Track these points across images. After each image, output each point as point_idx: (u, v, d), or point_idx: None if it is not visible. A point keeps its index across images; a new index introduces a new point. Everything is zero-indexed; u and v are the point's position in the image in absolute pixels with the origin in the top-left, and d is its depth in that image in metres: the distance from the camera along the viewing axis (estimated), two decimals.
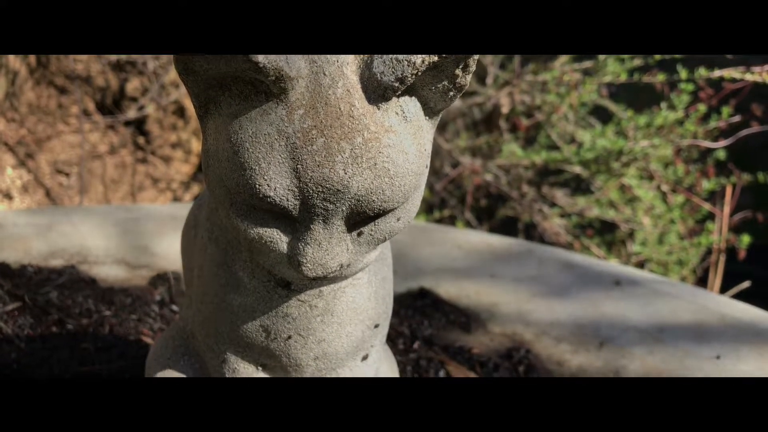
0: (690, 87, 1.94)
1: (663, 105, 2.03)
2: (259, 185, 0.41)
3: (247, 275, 0.49)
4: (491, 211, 2.53)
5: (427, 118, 0.45)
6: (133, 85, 2.50)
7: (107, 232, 1.14)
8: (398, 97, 0.43)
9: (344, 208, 0.42)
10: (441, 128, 2.43)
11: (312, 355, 0.51)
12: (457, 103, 2.43)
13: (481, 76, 2.43)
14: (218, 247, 0.50)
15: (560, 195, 2.25)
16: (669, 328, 0.97)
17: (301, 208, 0.42)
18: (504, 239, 1.24)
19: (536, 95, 2.24)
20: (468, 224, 2.49)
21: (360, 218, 0.44)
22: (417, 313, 1.02)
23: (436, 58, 0.41)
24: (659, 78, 1.90)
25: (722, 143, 2.04)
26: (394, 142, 0.42)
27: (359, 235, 0.45)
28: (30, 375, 0.75)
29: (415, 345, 0.95)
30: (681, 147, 2.15)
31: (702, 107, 1.97)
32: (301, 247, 0.43)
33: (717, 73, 1.81)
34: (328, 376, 0.53)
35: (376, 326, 0.53)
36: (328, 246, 0.43)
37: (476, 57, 0.43)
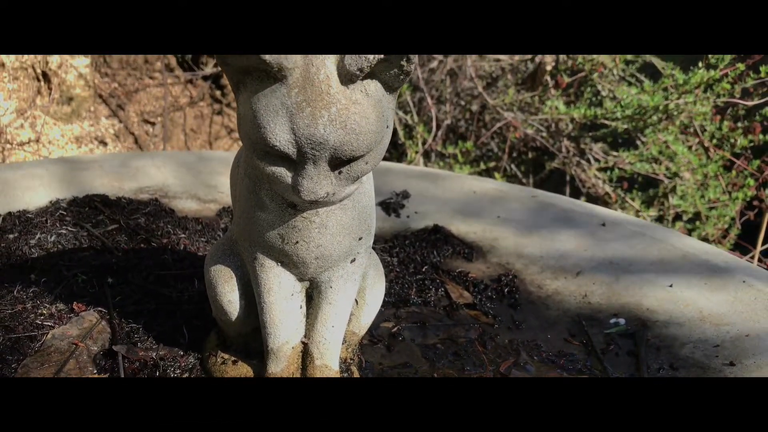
0: None
1: (700, 63, 2.12)
2: (269, 138, 0.63)
3: (269, 199, 0.72)
4: (539, 163, 2.68)
5: (387, 93, 0.66)
6: None
7: (183, 173, 1.40)
8: (362, 80, 0.64)
9: (326, 155, 0.64)
10: (488, 86, 2.59)
11: (313, 255, 0.74)
12: (506, 58, 2.58)
13: None
14: (250, 179, 0.73)
15: (597, 149, 2.39)
16: (637, 262, 1.15)
17: (298, 154, 0.64)
18: (514, 187, 1.44)
19: (579, 55, 2.36)
20: (513, 176, 2.66)
21: (338, 161, 0.65)
22: (429, 245, 1.24)
23: (383, 55, 0.62)
24: None
25: (760, 101, 2.13)
26: (359, 110, 0.63)
27: (339, 173, 0.67)
28: (125, 275, 1.01)
29: (423, 269, 1.17)
30: (719, 105, 2.24)
31: (741, 66, 2.05)
32: (299, 180, 0.66)
33: None
34: (326, 272, 0.76)
35: (360, 239, 0.75)
36: (317, 179, 0.65)
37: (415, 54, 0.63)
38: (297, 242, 0.73)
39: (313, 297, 0.79)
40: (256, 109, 0.64)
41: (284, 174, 0.66)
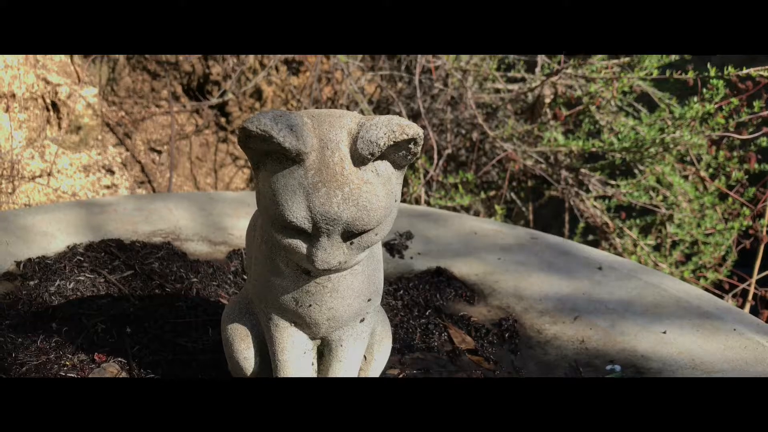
0: (721, 83, 2.07)
1: (695, 98, 2.17)
2: (287, 215, 0.68)
3: (284, 265, 0.77)
4: (539, 191, 2.73)
5: (396, 170, 0.71)
6: (216, 70, 2.81)
7: (195, 215, 1.45)
8: (373, 161, 0.69)
9: (339, 229, 0.69)
10: (489, 116, 2.65)
11: (325, 317, 0.79)
12: (503, 87, 2.63)
13: (530, 65, 2.63)
14: (267, 246, 0.78)
15: (595, 180, 2.44)
16: (633, 307, 1.20)
17: (313, 228, 0.69)
18: (514, 228, 1.48)
19: (577, 87, 2.42)
20: (512, 202, 2.71)
21: (350, 234, 0.70)
22: (432, 288, 1.28)
23: (393, 141, 0.67)
24: (690, 75, 2.03)
25: (753, 135, 2.18)
26: (370, 189, 0.68)
27: (351, 244, 0.71)
28: (142, 324, 1.06)
29: (427, 313, 1.21)
30: (713, 138, 2.29)
31: (735, 101, 2.11)
32: (314, 251, 0.70)
33: (746, 71, 1.96)
34: (337, 332, 0.81)
35: (369, 300, 0.80)
36: (331, 251, 0.70)
37: (422, 135, 0.68)
38: (310, 305, 0.78)
39: (324, 354, 0.84)
40: (275, 188, 0.68)
41: (300, 245, 0.71)
